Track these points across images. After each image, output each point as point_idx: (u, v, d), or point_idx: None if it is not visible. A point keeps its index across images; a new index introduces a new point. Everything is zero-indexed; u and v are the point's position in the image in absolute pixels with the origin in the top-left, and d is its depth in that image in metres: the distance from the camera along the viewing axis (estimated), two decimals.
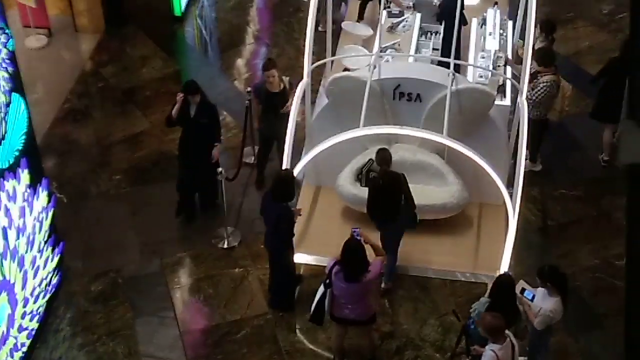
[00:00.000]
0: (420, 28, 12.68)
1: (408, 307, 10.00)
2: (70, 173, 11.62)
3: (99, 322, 9.86)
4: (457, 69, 10.64)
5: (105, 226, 10.91)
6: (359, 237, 8.60)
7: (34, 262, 9.14)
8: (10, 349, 8.87)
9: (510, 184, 9.89)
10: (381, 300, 9.93)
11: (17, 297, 8.85)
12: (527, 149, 10.19)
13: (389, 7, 13.02)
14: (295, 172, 9.72)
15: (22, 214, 8.81)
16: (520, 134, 9.80)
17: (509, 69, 11.62)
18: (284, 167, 9.89)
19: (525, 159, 10.35)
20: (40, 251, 9.27)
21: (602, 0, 14.75)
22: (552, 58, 11.05)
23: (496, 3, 12.73)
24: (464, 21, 11.83)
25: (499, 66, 11.52)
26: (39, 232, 9.23)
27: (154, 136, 12.04)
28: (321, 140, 9.63)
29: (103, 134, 12.24)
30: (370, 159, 10.34)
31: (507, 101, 11.21)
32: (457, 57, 10.26)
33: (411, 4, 13.21)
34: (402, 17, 12.86)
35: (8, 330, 8.79)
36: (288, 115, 10.47)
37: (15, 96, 8.66)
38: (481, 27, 12.44)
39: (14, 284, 8.76)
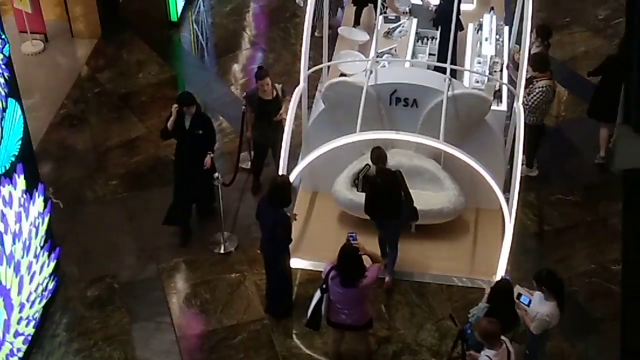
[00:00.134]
0: (417, 33, 12.70)
1: (405, 312, 10.00)
2: (66, 178, 11.61)
3: (95, 328, 9.85)
4: (454, 74, 10.66)
5: (102, 231, 10.90)
6: (355, 242, 8.60)
7: (30, 267, 9.13)
8: (7, 354, 8.86)
9: (506, 189, 9.90)
10: (378, 305, 9.93)
11: (13, 302, 8.84)
12: (523, 154, 10.20)
13: (385, 13, 13.04)
14: (292, 177, 9.72)
15: (18, 220, 8.80)
16: (517, 139, 9.81)
17: (505, 74, 11.64)
18: (280, 173, 9.89)
19: (522, 164, 10.37)
20: (36, 256, 9.26)
21: (598, 6, 14.79)
22: (547, 63, 11.07)
23: (492, 8, 12.76)
24: (460, 26, 11.87)
25: (495, 71, 11.55)
26: (35, 238, 9.22)
27: (151, 141, 12.04)
28: (318, 146, 9.63)
29: (99, 139, 12.23)
30: (367, 164, 10.35)
31: (503, 106, 11.22)
32: (453, 62, 10.29)
33: (407, 9, 13.24)
34: (399, 23, 12.88)
35: (4, 336, 8.77)
36: (281, 123, 10.47)
37: (12, 101, 8.65)
38: (477, 32, 12.46)
39: (10, 289, 8.75)
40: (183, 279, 10.40)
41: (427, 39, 12.68)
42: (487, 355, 7.94)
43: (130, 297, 10.16)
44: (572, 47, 13.84)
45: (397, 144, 10.42)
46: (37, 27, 13.70)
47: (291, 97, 10.57)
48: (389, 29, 12.79)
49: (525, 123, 10.17)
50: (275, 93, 10.78)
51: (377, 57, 10.86)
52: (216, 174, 10.29)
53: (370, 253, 8.81)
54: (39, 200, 9.27)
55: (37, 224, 9.23)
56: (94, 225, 10.97)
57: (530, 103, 10.86)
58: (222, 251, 10.65)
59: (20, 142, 8.83)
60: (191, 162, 10.34)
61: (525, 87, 10.69)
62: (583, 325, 9.83)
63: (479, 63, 11.65)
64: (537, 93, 10.86)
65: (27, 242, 9.02)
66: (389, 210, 9.74)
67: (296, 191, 11.07)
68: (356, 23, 13.71)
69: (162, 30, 14.31)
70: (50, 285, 9.70)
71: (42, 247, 9.38)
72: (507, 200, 9.52)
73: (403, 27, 12.81)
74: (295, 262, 10.20)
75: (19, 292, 8.95)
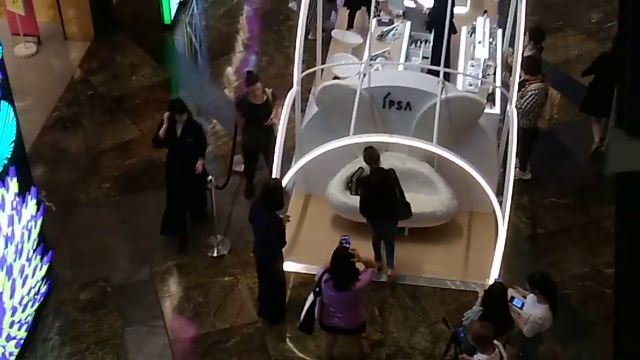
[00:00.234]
0: (410, 36, 12.71)
1: (398, 315, 9.99)
2: (59, 181, 11.58)
3: (88, 331, 9.82)
4: (447, 77, 10.66)
5: (95, 234, 10.87)
6: (348, 245, 8.60)
7: (22, 270, 9.10)
8: None
9: (499, 193, 9.91)
10: (371, 308, 9.93)
11: (5, 306, 8.81)
12: (516, 157, 10.21)
13: (378, 16, 13.04)
14: (285, 180, 9.71)
15: (11, 223, 8.77)
16: (510, 142, 9.82)
17: (498, 77, 11.65)
18: (273, 176, 9.88)
19: (515, 167, 10.38)
20: (28, 260, 9.23)
21: (591, 10, 14.81)
22: (539, 66, 11.09)
23: (486, 11, 12.78)
24: (453, 30, 11.86)
25: (488, 74, 11.56)
26: (28, 241, 9.19)
27: (144, 144, 12.01)
28: (311, 149, 9.63)
29: (92, 142, 12.20)
30: (360, 167, 10.35)
31: (496, 109, 11.23)
32: (446, 65, 10.29)
33: (401, 12, 13.24)
34: (392, 26, 12.89)
35: None
36: (271, 127, 10.45)
37: (4, 104, 8.64)
38: (471, 35, 12.47)
39: (2, 292, 8.72)
40: (176, 282, 10.38)
41: (421, 42, 12.69)
42: None
43: (123, 301, 10.14)
44: (565, 51, 13.87)
45: (390, 147, 10.42)
46: (30, 30, 13.68)
47: (283, 101, 10.56)
48: (382, 32, 12.80)
49: (518, 126, 10.18)
50: (265, 97, 10.77)
51: (371, 60, 10.86)
52: (210, 177, 10.27)
53: (364, 260, 8.79)
54: (31, 203, 9.25)
55: (29, 227, 9.21)
56: (86, 228, 10.94)
57: (523, 106, 10.88)
58: (215, 254, 10.63)
59: (12, 145, 8.81)
60: (182, 169, 10.31)
61: (518, 90, 10.71)
62: (576, 328, 9.84)
63: (473, 66, 11.67)
64: (530, 96, 10.88)
65: (20, 245, 9.00)
66: (383, 210, 9.74)
67: (289, 194, 11.05)
68: (349, 26, 13.70)
69: (155, 33, 14.29)
70: (43, 289, 9.68)
71: (34, 250, 9.35)
72: (500, 203, 9.53)
73: (396, 30, 12.82)
74: (288, 266, 10.19)
75: (11, 296, 8.92)
